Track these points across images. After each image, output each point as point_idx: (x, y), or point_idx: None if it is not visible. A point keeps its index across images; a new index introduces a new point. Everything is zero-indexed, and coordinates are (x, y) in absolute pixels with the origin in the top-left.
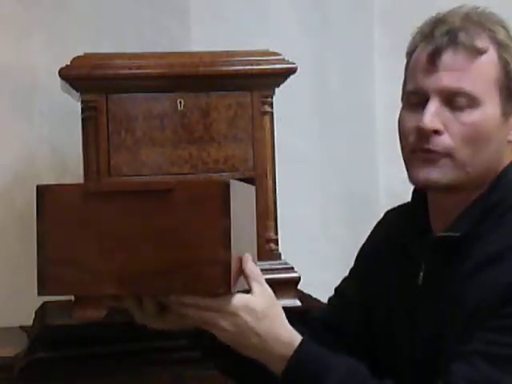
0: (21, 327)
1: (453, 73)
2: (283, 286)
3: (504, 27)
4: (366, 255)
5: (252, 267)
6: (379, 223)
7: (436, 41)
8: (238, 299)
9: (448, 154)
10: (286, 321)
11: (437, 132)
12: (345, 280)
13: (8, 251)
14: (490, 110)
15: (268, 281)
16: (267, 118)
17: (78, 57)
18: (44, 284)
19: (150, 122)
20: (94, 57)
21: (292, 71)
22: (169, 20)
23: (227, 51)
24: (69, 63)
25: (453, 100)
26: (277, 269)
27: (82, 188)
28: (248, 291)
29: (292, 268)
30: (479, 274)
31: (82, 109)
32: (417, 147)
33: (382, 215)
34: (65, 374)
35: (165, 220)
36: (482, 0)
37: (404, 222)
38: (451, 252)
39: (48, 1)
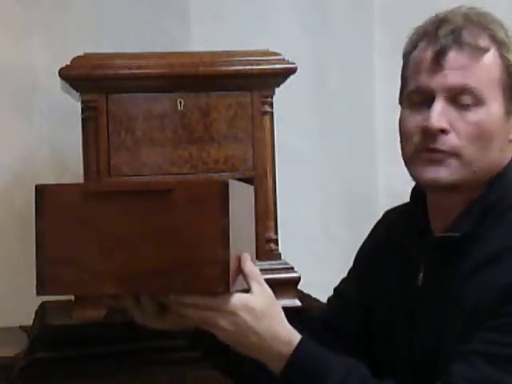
0: (21, 327)
1: (458, 71)
2: (283, 286)
3: (502, 27)
4: (365, 255)
5: (251, 266)
6: (378, 223)
7: (440, 40)
8: (237, 298)
9: (455, 154)
10: (285, 320)
11: (443, 131)
12: (344, 280)
13: (8, 251)
14: (493, 108)
15: (268, 281)
16: (267, 118)
17: (78, 57)
18: (43, 284)
19: (150, 122)
20: (94, 57)
21: (292, 71)
22: (169, 20)
23: (227, 51)
24: (69, 63)
25: (458, 99)
26: (277, 269)
27: (81, 188)
28: (247, 291)
29: (292, 268)
30: (478, 275)
31: (82, 109)
32: (422, 147)
33: (381, 215)
34: (65, 374)
35: (164, 220)
36: (482, 0)
37: (403, 222)
38: (451, 252)
39: (48, 1)
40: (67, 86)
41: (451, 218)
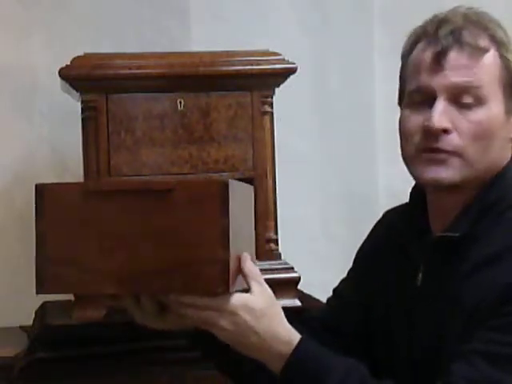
0: (21, 327)
1: (459, 71)
2: (283, 286)
3: (501, 27)
4: (365, 255)
5: (251, 266)
6: (378, 223)
7: (441, 41)
8: (237, 298)
9: (457, 153)
10: (285, 320)
11: (445, 131)
12: (343, 281)
13: (8, 251)
14: (494, 108)
15: (268, 281)
16: (267, 118)
17: (78, 57)
18: (43, 283)
19: (150, 122)
20: (94, 57)
21: (292, 71)
22: (169, 20)
23: (227, 51)
24: (69, 63)
25: (459, 98)
26: (277, 269)
27: (81, 187)
28: (247, 290)
29: (292, 268)
30: (478, 275)
31: (82, 109)
32: (424, 147)
33: (381, 215)
34: (65, 374)
35: (164, 219)
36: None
37: (403, 223)
38: (450, 252)
39: (48, 1)
40: (67, 86)
41: (450, 218)
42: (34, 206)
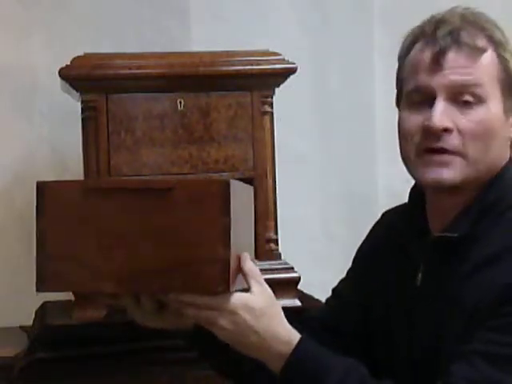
0: (21, 327)
1: (458, 71)
2: (283, 286)
3: (498, 27)
4: (364, 255)
5: (251, 266)
6: (377, 224)
7: (439, 41)
8: (237, 298)
9: (458, 153)
10: (285, 319)
11: (446, 130)
12: (342, 281)
13: (8, 251)
14: (493, 107)
15: (268, 281)
16: (267, 118)
17: (78, 57)
18: (43, 280)
19: (150, 122)
20: (94, 57)
21: (292, 71)
22: (169, 20)
23: (227, 51)
24: (69, 63)
25: (459, 98)
26: (277, 269)
27: (82, 185)
28: (247, 290)
29: (292, 268)
30: (477, 275)
31: (82, 109)
32: (424, 147)
33: (379, 216)
34: (65, 374)
35: (164, 218)
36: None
37: (403, 223)
38: (449, 252)
39: (48, 1)
40: (67, 86)
41: (449, 218)
42: (34, 205)
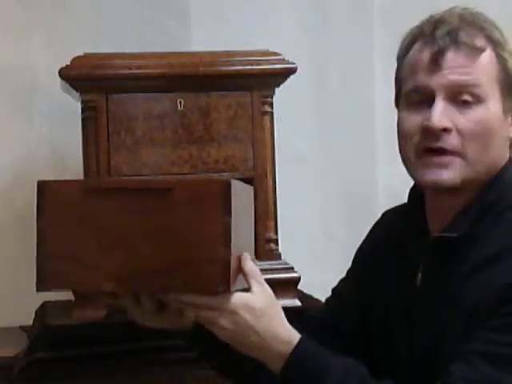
0: (21, 327)
1: (456, 70)
2: (283, 286)
3: (496, 27)
4: (364, 255)
5: (251, 266)
6: (376, 224)
7: (438, 41)
8: (238, 297)
9: (457, 153)
10: (285, 319)
11: (445, 130)
12: (342, 281)
13: (8, 251)
14: (493, 107)
15: (268, 281)
16: (267, 118)
17: (78, 57)
18: (43, 280)
19: (150, 122)
20: (94, 57)
21: (292, 71)
22: (169, 20)
23: (227, 51)
24: (69, 63)
25: (458, 97)
26: (277, 269)
27: (82, 184)
28: (247, 290)
29: (292, 268)
30: (477, 275)
31: (82, 109)
32: (424, 147)
33: (379, 216)
34: (65, 374)
35: (164, 218)
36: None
37: (401, 223)
38: (449, 252)
39: (48, 1)
40: (67, 86)
41: (449, 219)
42: (34, 205)
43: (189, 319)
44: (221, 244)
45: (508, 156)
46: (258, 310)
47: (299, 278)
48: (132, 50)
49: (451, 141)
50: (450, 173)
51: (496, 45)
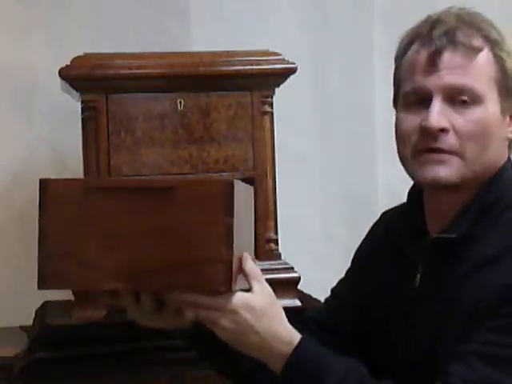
0: (21, 327)
1: (454, 71)
2: (283, 286)
3: (494, 27)
4: (363, 256)
5: (252, 266)
6: (375, 224)
7: (435, 41)
8: (239, 297)
9: (455, 153)
10: (286, 320)
11: (443, 130)
12: (341, 281)
13: (8, 251)
14: (490, 107)
15: (268, 281)
16: (267, 118)
17: (78, 57)
18: (44, 278)
19: (150, 122)
20: (94, 57)
21: (292, 71)
22: (169, 20)
23: (227, 51)
24: (69, 63)
25: (455, 98)
26: (277, 269)
27: (84, 183)
28: (248, 290)
29: (292, 268)
30: (476, 276)
31: (82, 109)
32: (421, 147)
33: (378, 216)
34: (65, 374)
35: (166, 218)
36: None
37: (401, 223)
38: (448, 253)
39: (48, 1)
40: (67, 86)
41: (448, 219)
42: (34, 205)
43: (187, 319)
44: (223, 244)
45: (507, 156)
46: (259, 309)
47: (299, 278)
48: (132, 49)
49: (449, 141)
50: (447, 170)
51: (494, 45)
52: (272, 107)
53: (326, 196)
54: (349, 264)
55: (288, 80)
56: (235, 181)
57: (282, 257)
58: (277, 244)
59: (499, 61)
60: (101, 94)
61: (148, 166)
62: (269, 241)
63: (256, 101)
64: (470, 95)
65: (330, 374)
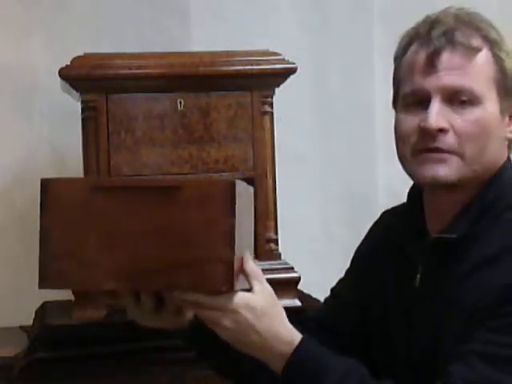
0: (21, 327)
1: (452, 71)
2: (283, 286)
3: (493, 27)
4: (362, 255)
5: (253, 266)
6: (375, 224)
7: (433, 42)
8: (240, 297)
9: (455, 153)
10: (287, 320)
11: (442, 130)
12: (341, 281)
13: (8, 251)
14: (489, 107)
15: (268, 281)
16: (267, 118)
17: (78, 57)
18: (45, 278)
19: (150, 122)
20: (94, 57)
21: (292, 71)
22: (169, 20)
23: (227, 51)
24: (69, 63)
25: (454, 98)
26: (277, 269)
27: (86, 183)
28: (248, 290)
29: (292, 268)
30: (476, 276)
31: (82, 109)
32: (420, 147)
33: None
34: (65, 374)
35: (168, 218)
36: (478, 0)
37: (401, 223)
38: (447, 253)
39: (48, 1)
40: (67, 86)
41: (447, 219)
42: (34, 205)
43: (187, 318)
44: (224, 244)
45: (506, 155)
46: (259, 309)
47: (299, 278)
48: (132, 50)
49: (448, 141)
50: (446, 169)
51: (492, 45)
52: (272, 107)
53: (325, 196)
54: (349, 264)
55: (288, 80)
56: (237, 181)
57: (282, 257)
58: (277, 244)
59: (498, 61)
60: (101, 94)
61: (148, 165)
62: (269, 241)
63: (256, 101)
64: (468, 96)
65: (329, 374)
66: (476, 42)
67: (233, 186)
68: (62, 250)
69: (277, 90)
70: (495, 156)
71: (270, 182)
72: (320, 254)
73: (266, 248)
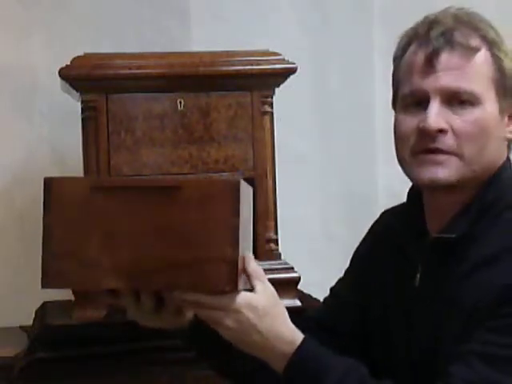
0: (21, 327)
1: (451, 72)
2: (283, 286)
3: (492, 27)
4: (362, 255)
5: (255, 266)
6: (375, 224)
7: (432, 42)
8: (242, 297)
9: (454, 153)
10: (289, 319)
11: (441, 131)
12: (340, 280)
13: (8, 251)
14: (489, 107)
15: (268, 281)
16: (267, 118)
17: (78, 57)
18: (48, 277)
19: (150, 122)
20: (94, 57)
21: (292, 71)
22: (169, 20)
23: (227, 51)
24: (69, 63)
25: (453, 99)
26: (277, 269)
27: (89, 182)
28: (250, 290)
29: (292, 268)
30: (475, 276)
31: (82, 109)
32: (420, 148)
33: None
34: (65, 374)
35: (171, 217)
36: (477, 0)
37: (400, 223)
38: (447, 253)
39: (48, 1)
40: (67, 86)
41: (447, 219)
42: (34, 205)
43: (187, 318)
44: (229, 244)
45: (506, 156)
46: (261, 309)
47: (299, 278)
48: (132, 50)
49: (447, 141)
50: (445, 171)
51: (491, 45)
52: (272, 107)
53: (326, 196)
54: (348, 264)
55: (288, 80)
56: (241, 181)
57: (282, 257)
58: (277, 244)
59: (497, 61)
60: (101, 94)
61: (148, 165)
62: (269, 241)
63: (256, 101)
64: (467, 96)
65: (329, 373)
66: (474, 42)
67: (238, 185)
68: (62, 250)
69: (277, 90)
70: (494, 156)
71: (270, 182)
72: (320, 253)
73: (265, 248)
